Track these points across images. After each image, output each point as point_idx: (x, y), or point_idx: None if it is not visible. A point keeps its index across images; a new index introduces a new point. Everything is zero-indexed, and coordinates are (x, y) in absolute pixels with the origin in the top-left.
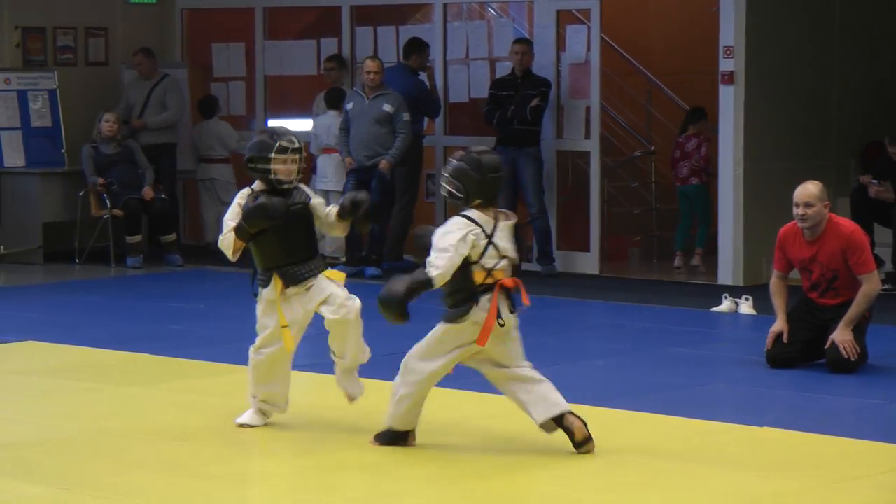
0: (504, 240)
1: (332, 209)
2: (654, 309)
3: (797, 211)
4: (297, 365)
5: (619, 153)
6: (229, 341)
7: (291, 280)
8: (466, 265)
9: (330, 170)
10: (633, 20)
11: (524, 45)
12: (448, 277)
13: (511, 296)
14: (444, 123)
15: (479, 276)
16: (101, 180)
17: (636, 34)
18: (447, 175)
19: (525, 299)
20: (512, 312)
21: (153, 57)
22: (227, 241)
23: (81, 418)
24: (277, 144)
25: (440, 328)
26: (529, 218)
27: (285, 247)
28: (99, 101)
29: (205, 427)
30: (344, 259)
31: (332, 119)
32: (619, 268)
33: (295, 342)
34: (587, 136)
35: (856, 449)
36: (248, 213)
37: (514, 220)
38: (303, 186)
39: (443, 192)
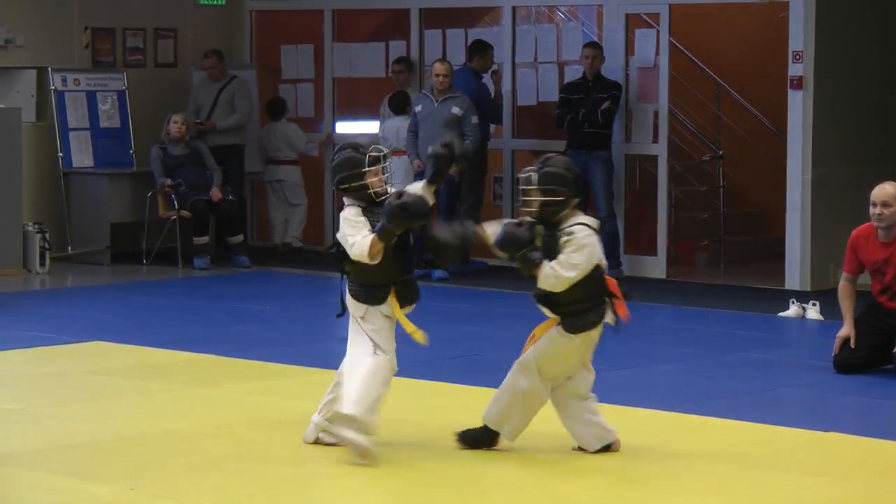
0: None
1: (417, 183)
2: (721, 313)
3: (874, 210)
4: None
5: (687, 157)
6: (296, 343)
7: (410, 297)
8: (597, 271)
9: (399, 172)
10: (703, 24)
11: (595, 48)
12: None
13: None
14: (511, 126)
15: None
16: (169, 181)
17: (705, 38)
18: (535, 186)
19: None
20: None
21: (223, 59)
22: (364, 247)
23: (149, 419)
24: (368, 157)
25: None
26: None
27: (402, 259)
28: (167, 103)
29: (271, 429)
30: None
31: (400, 122)
32: (686, 272)
33: None
34: (655, 139)
35: None
36: (399, 214)
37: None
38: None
39: (531, 209)
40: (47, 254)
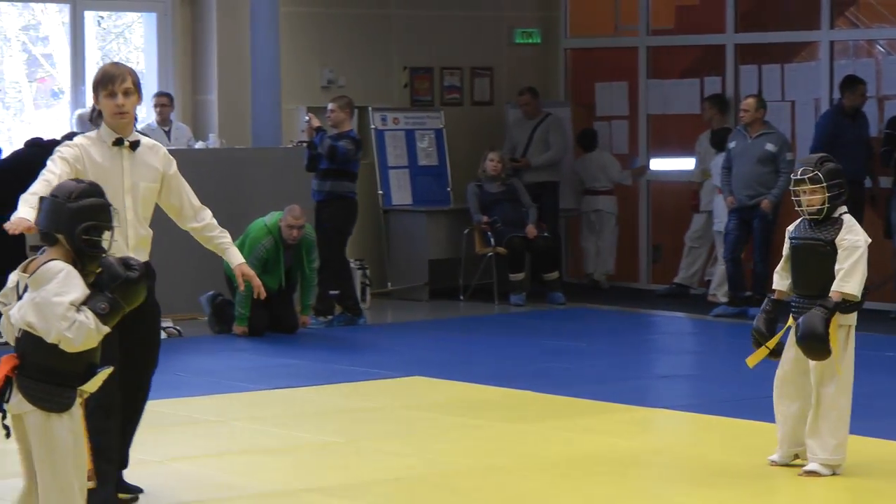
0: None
1: None
2: None
3: None
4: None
5: None
6: (613, 380)
7: None
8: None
9: (722, 212)
10: None
11: None
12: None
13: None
14: None
15: None
16: (485, 218)
17: None
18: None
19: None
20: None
21: (538, 96)
22: None
23: (467, 454)
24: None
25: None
26: None
27: None
28: (483, 140)
29: (589, 464)
30: (726, 300)
31: (720, 159)
32: None
33: None
34: None
35: None
36: None
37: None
38: None
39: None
40: (368, 290)
